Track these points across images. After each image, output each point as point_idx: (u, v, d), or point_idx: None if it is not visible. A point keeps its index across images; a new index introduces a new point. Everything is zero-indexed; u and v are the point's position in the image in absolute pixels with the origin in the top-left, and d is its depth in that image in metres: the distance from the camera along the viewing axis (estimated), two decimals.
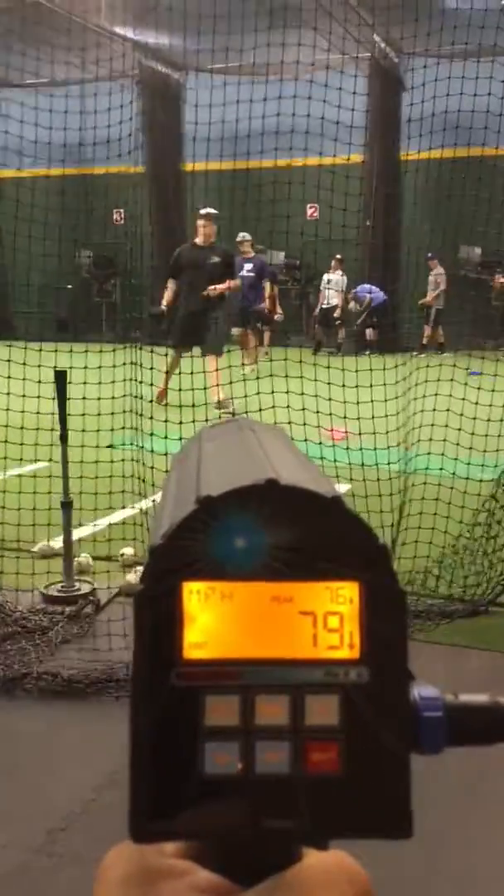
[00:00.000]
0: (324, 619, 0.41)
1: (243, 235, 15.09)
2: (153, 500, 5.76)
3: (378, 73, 17.86)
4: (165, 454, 5.16)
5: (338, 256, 17.90)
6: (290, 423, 5.58)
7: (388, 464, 5.48)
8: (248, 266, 15.69)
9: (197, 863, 0.44)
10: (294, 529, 0.40)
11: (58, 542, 4.92)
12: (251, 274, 15.57)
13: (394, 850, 0.42)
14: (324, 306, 19.13)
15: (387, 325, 18.33)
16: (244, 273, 15.73)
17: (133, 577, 4.74)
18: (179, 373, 8.00)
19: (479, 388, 5.64)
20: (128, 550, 5.24)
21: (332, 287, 18.97)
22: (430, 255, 17.76)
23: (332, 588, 0.41)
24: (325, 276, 18.94)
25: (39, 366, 5.33)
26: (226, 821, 0.41)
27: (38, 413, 5.32)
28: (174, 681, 0.40)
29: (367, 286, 18.54)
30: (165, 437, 5.60)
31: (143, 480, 4.99)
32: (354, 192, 6.99)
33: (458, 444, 5.43)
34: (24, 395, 5.50)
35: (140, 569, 4.27)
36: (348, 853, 0.44)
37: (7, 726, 3.56)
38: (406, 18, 6.39)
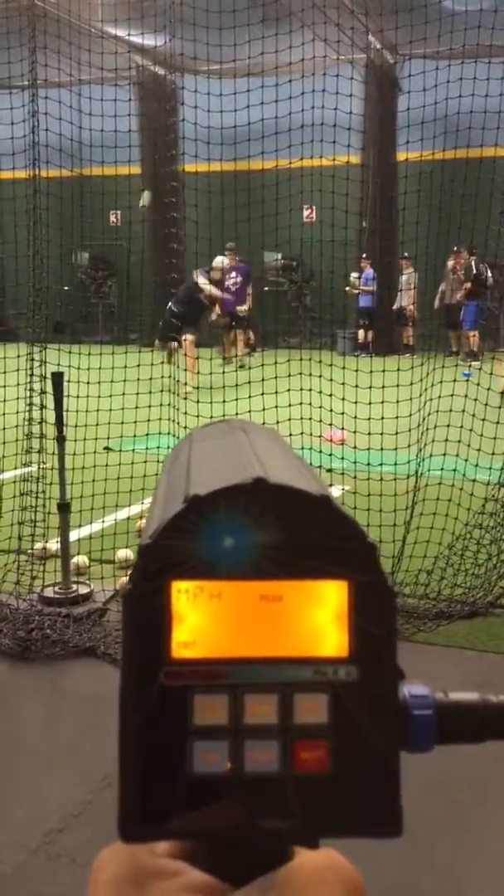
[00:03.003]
0: (312, 618, 0.41)
1: (230, 245, 15.70)
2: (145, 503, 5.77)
3: (374, 74, 17.85)
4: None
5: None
6: (282, 419, 5.58)
7: (395, 465, 5.47)
8: (233, 273, 16.77)
9: (188, 862, 0.44)
10: (283, 528, 0.40)
11: (55, 544, 4.92)
12: (239, 279, 16.63)
13: (383, 847, 0.43)
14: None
15: (383, 327, 18.38)
16: (232, 279, 16.77)
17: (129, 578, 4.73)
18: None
19: (488, 389, 5.62)
20: (124, 552, 5.24)
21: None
22: (404, 255, 17.77)
23: (321, 587, 0.41)
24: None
25: (41, 366, 5.33)
26: (216, 820, 0.41)
27: (37, 413, 5.32)
28: (163, 680, 0.40)
29: (370, 272, 18.57)
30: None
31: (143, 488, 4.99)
32: (352, 193, 6.98)
33: (468, 445, 5.42)
34: (19, 398, 5.50)
35: None
36: (340, 852, 0.44)
37: (5, 727, 3.56)
38: (401, 20, 6.39)
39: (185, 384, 6.11)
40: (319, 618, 0.41)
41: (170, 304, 13.83)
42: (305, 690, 0.41)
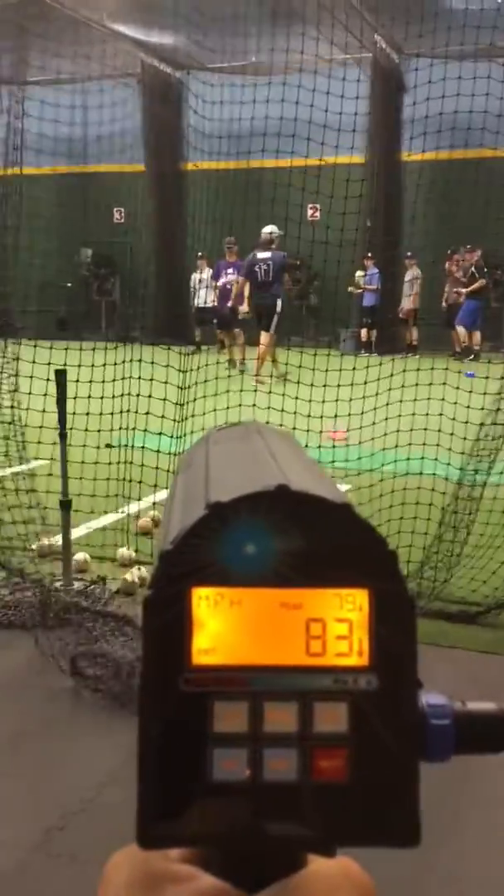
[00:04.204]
0: (333, 627, 0.41)
1: (230, 239, 15.23)
2: (146, 501, 5.79)
3: (379, 73, 17.84)
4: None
5: (199, 254, 17.14)
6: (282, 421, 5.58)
7: (383, 465, 5.49)
8: (230, 270, 15.83)
9: (202, 868, 0.44)
10: (304, 536, 0.40)
11: (56, 541, 4.92)
12: (234, 276, 15.66)
13: (392, 853, 0.42)
14: (199, 305, 17.93)
15: (386, 327, 18.41)
16: (229, 276, 15.85)
17: (130, 576, 4.73)
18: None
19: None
20: (124, 550, 5.24)
21: (202, 286, 17.90)
22: (408, 254, 17.79)
23: (341, 595, 0.41)
24: (195, 276, 17.71)
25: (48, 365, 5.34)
26: (232, 827, 0.41)
27: (43, 411, 5.35)
28: (182, 686, 0.40)
29: (374, 271, 18.54)
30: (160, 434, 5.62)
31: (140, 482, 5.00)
32: (355, 192, 6.98)
33: (449, 449, 5.42)
34: (27, 393, 5.51)
35: (136, 569, 4.24)
36: (354, 860, 0.44)
37: (6, 724, 3.56)
38: (407, 19, 6.41)
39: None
40: (340, 626, 0.41)
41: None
42: (325, 699, 0.41)
